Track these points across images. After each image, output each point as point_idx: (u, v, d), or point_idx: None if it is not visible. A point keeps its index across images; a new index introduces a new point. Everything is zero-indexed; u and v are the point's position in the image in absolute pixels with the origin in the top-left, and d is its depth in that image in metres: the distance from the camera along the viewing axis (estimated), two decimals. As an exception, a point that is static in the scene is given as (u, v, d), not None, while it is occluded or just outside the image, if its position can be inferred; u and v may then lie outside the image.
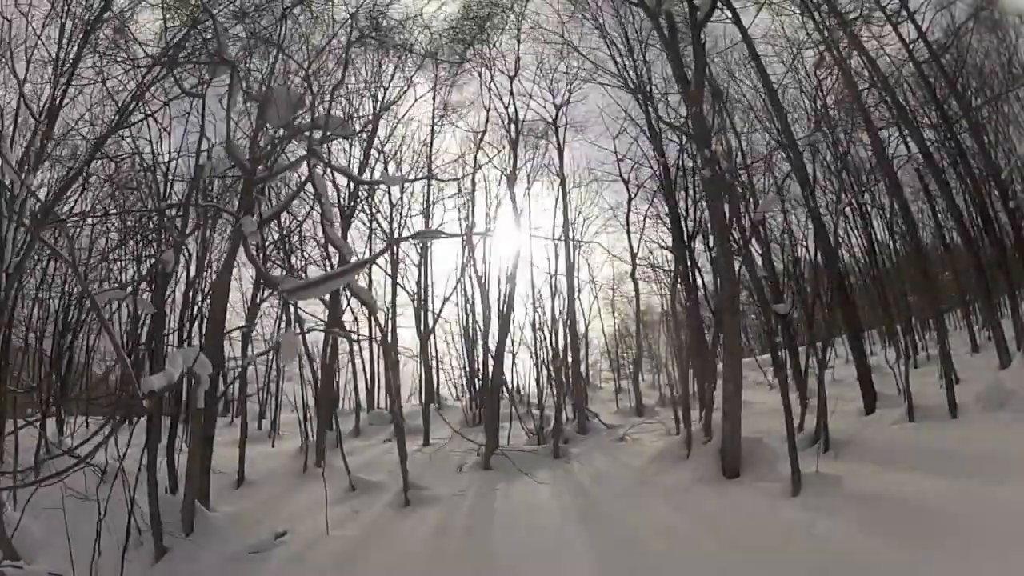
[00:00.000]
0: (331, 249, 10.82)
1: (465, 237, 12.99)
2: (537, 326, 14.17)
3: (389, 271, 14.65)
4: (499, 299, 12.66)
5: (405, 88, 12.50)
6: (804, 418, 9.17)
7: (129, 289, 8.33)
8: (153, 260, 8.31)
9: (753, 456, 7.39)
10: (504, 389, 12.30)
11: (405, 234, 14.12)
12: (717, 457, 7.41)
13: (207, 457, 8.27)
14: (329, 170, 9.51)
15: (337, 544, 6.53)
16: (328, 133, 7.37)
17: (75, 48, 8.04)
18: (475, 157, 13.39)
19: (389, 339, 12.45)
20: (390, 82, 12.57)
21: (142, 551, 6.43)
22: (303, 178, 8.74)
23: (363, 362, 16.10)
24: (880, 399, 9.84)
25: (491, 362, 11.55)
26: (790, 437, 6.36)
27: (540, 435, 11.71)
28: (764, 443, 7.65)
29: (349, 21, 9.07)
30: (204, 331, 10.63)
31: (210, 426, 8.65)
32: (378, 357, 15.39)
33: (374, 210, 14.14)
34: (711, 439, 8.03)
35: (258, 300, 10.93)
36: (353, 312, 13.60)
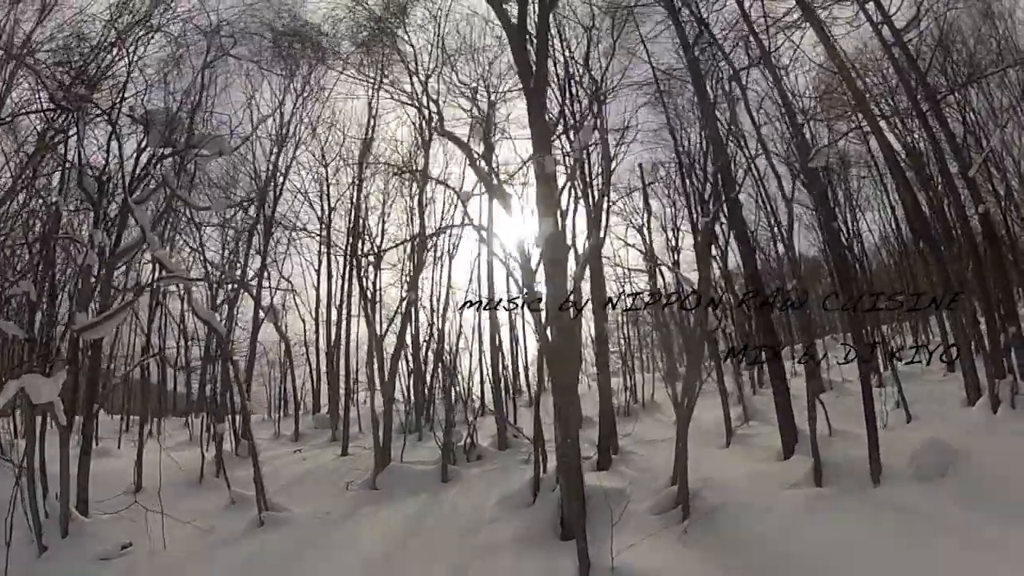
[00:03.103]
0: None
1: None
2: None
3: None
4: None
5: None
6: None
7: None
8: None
9: (595, 511, 5.79)
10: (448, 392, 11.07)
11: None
12: (558, 510, 5.87)
13: (86, 465, 8.31)
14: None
15: (166, 559, 6.52)
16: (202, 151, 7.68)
17: None
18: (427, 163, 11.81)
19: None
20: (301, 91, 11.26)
21: (32, 548, 6.64)
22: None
23: (309, 364, 15.05)
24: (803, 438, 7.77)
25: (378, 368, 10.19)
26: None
27: (450, 451, 10.29)
28: (624, 493, 6.05)
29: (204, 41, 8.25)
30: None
31: (88, 441, 8.67)
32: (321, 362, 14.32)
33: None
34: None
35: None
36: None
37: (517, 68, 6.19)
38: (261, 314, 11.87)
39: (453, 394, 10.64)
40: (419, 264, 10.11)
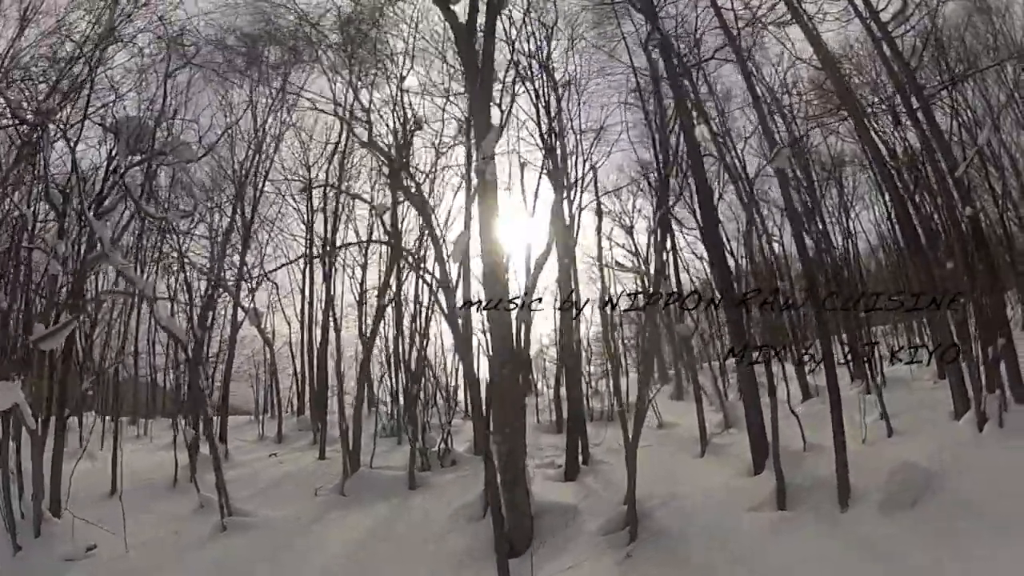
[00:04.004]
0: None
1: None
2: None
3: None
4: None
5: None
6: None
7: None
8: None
9: (544, 529, 5.44)
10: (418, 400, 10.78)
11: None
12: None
13: (58, 467, 8.32)
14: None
15: (128, 562, 6.53)
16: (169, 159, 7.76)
17: None
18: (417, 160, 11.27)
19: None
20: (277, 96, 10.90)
21: (9, 546, 6.72)
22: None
23: (294, 366, 14.86)
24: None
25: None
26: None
27: (424, 457, 9.98)
28: (576, 509, 5.68)
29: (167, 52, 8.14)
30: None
31: (60, 443, 8.61)
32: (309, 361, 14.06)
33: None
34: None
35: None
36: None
37: (464, 70, 5.80)
38: (241, 315, 11.66)
39: (423, 398, 10.30)
40: (389, 271, 9.74)
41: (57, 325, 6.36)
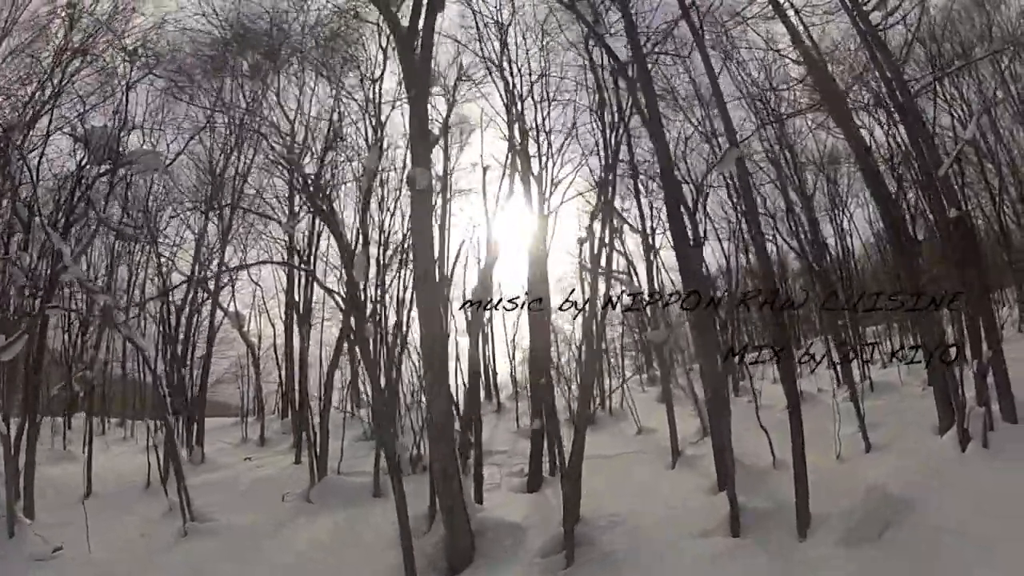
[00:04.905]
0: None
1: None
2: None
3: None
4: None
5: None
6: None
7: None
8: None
9: (486, 547, 5.08)
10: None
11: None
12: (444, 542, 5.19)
13: (31, 469, 8.43)
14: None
15: (87, 565, 6.50)
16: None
17: None
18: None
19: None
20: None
21: None
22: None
23: (278, 368, 14.66)
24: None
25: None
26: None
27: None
28: (520, 527, 5.31)
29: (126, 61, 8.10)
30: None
31: (32, 445, 8.64)
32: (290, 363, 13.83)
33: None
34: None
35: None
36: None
37: (403, 75, 5.43)
38: (221, 318, 11.48)
39: (395, 404, 9.98)
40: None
41: (10, 339, 6.41)
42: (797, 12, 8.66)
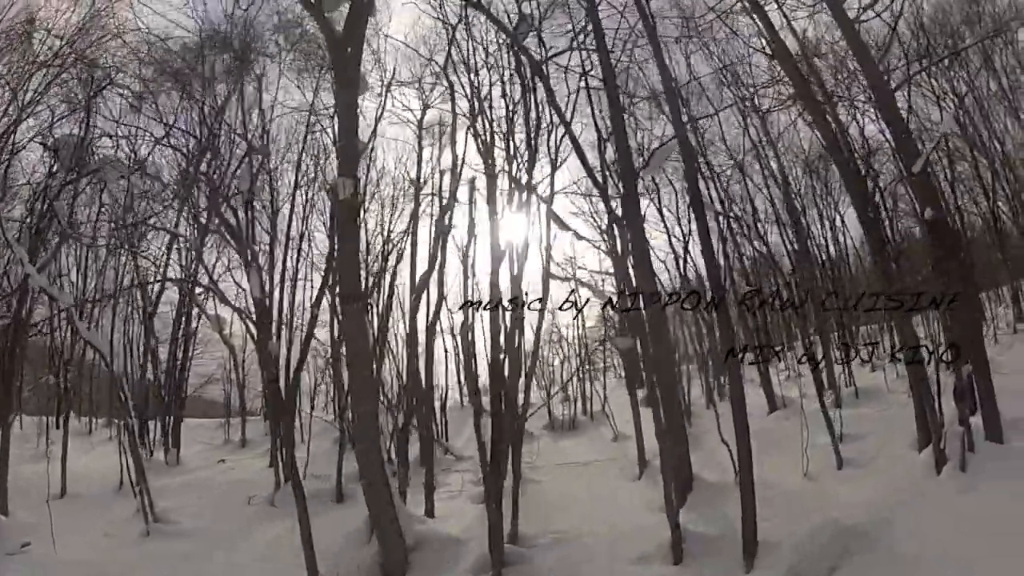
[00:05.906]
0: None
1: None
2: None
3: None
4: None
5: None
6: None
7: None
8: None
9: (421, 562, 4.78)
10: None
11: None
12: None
13: (3, 471, 8.47)
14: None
15: (51, 561, 6.48)
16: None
17: None
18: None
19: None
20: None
21: None
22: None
23: (261, 370, 14.39)
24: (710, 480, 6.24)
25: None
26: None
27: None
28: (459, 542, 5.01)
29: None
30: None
31: (5, 444, 8.68)
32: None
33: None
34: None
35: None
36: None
37: (335, 80, 5.12)
38: (198, 320, 11.34)
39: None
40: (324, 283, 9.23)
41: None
42: (780, 6, 8.15)
